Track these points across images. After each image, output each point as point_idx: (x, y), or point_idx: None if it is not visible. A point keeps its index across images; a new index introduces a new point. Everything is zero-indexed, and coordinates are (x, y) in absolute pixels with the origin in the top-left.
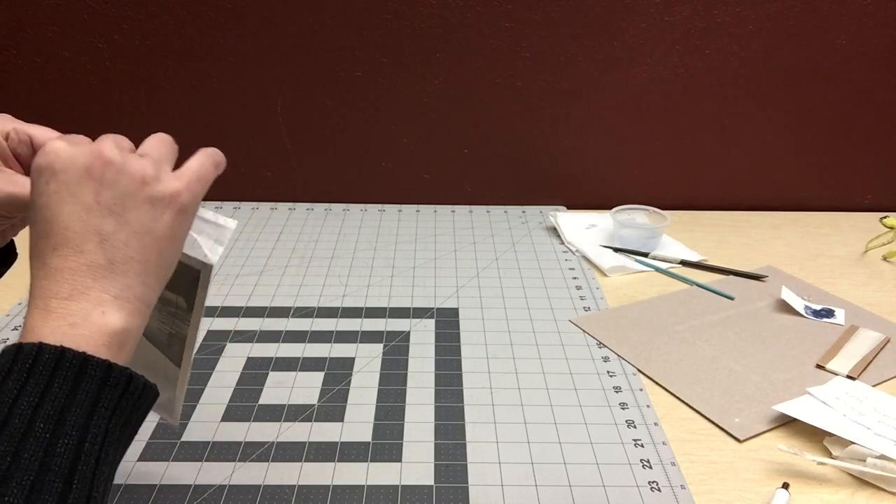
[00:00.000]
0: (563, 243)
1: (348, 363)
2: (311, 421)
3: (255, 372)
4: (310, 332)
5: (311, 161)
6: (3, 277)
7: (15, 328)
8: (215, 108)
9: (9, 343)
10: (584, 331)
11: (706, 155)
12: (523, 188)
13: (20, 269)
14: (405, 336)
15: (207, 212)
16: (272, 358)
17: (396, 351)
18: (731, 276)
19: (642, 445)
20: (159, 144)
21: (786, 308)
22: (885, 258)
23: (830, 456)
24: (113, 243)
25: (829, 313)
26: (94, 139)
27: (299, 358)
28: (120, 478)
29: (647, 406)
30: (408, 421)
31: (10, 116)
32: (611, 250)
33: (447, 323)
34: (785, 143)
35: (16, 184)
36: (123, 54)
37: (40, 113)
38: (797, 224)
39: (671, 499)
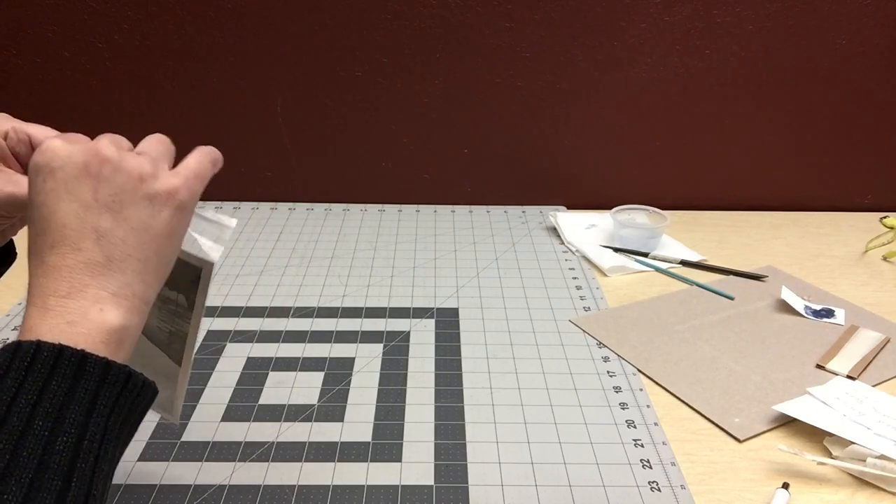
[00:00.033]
0: (563, 243)
1: (348, 363)
2: (311, 421)
3: (255, 372)
4: (310, 332)
5: (311, 161)
6: (3, 277)
7: (15, 328)
8: (215, 108)
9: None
10: (584, 331)
11: (706, 155)
12: (523, 188)
13: (20, 268)
14: (405, 336)
15: (207, 211)
16: (272, 358)
17: (396, 351)
18: (731, 276)
19: (642, 445)
20: (157, 144)
21: (786, 308)
22: (885, 258)
23: (830, 456)
24: (111, 240)
25: (829, 313)
26: (92, 139)
27: (299, 358)
28: (120, 478)
29: (647, 406)
30: (408, 421)
31: (8, 116)
32: (611, 250)
33: (447, 323)
34: (785, 143)
35: (15, 183)
36: (123, 54)
37: (40, 113)
38: (797, 224)
39: (671, 499)
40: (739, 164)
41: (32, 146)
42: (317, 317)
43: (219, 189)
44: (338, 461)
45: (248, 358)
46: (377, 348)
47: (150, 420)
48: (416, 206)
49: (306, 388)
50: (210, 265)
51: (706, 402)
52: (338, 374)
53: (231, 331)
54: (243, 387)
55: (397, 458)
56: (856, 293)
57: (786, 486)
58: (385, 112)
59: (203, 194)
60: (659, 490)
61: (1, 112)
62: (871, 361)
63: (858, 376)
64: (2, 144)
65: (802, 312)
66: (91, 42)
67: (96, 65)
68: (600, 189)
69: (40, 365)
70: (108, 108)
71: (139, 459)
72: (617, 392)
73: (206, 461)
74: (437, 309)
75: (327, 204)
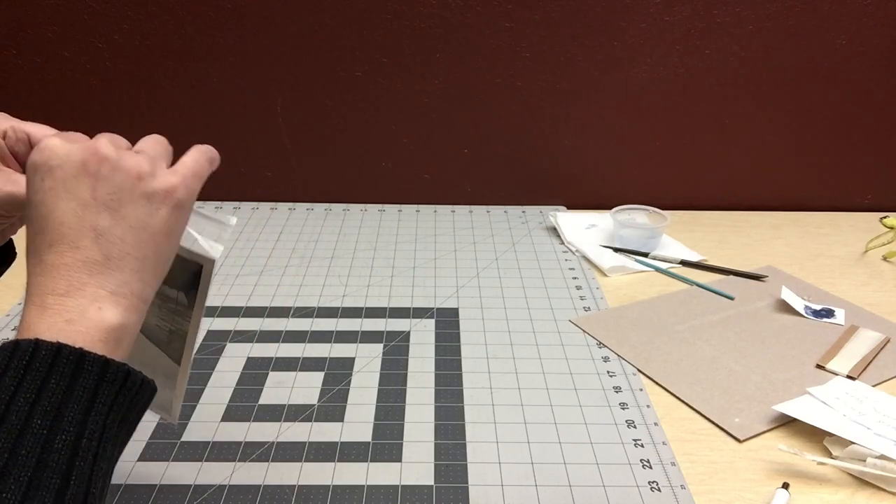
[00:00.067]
0: (563, 243)
1: (348, 363)
2: (311, 421)
3: (255, 372)
4: (310, 332)
5: (311, 161)
6: (3, 277)
7: (14, 328)
8: (215, 108)
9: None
10: (584, 331)
11: (706, 155)
12: (523, 188)
13: (20, 268)
14: (405, 336)
15: (207, 210)
16: (272, 358)
17: (396, 351)
18: (731, 276)
19: (642, 445)
20: (154, 143)
21: (786, 308)
22: (885, 258)
23: (830, 456)
24: (109, 239)
25: (829, 313)
26: (91, 138)
27: (299, 358)
28: (120, 478)
29: (647, 406)
30: (408, 421)
31: (6, 115)
32: (611, 250)
33: (447, 323)
34: (785, 143)
35: (14, 182)
36: (123, 54)
37: (40, 113)
38: (797, 224)
39: (671, 499)
40: (739, 164)
41: (31, 145)
42: (317, 317)
43: (219, 189)
44: (338, 461)
45: (248, 358)
46: (377, 348)
47: (150, 420)
48: (416, 206)
49: (306, 388)
50: (211, 262)
51: (706, 402)
52: (338, 374)
53: (231, 331)
54: (243, 387)
55: (397, 458)
56: (856, 293)
57: (786, 486)
58: (385, 112)
59: (203, 195)
60: (659, 490)
61: (0, 111)
62: (871, 361)
63: (858, 376)
64: (0, 143)
65: (802, 312)
66: (91, 42)
67: (96, 65)
68: (600, 189)
69: (39, 363)
70: (108, 108)
71: (139, 459)
72: (617, 392)
73: (206, 461)
74: (437, 309)
75: (327, 204)
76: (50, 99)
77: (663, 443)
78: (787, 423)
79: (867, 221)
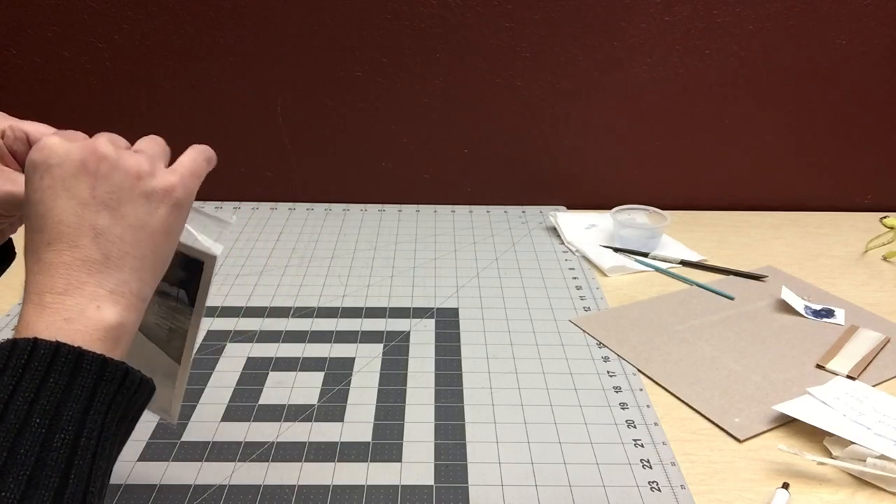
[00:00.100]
0: (563, 243)
1: (348, 363)
2: (311, 421)
3: (255, 372)
4: (310, 332)
5: (311, 161)
6: (2, 276)
7: (14, 328)
8: (215, 108)
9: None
10: (584, 331)
11: (706, 155)
12: (523, 188)
13: (19, 268)
14: (405, 336)
15: (206, 209)
16: (272, 358)
17: (396, 351)
18: (731, 276)
19: (642, 445)
20: (153, 143)
21: (786, 308)
22: (885, 258)
23: (830, 456)
24: (108, 238)
25: (829, 313)
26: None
27: (299, 358)
28: (120, 478)
29: (647, 406)
30: (408, 421)
31: (4, 114)
32: (611, 250)
33: (447, 323)
34: (785, 143)
35: (13, 181)
36: (123, 54)
37: (40, 113)
38: (797, 224)
39: (671, 499)
40: (739, 164)
41: (30, 144)
42: (317, 317)
43: (219, 189)
44: (338, 461)
45: (248, 358)
46: (377, 348)
47: (150, 420)
48: (416, 206)
49: (306, 388)
50: (213, 259)
51: (706, 402)
52: (338, 374)
53: (231, 331)
54: (243, 387)
55: (397, 458)
56: (856, 293)
57: (786, 486)
58: (385, 112)
59: (203, 194)
60: (659, 490)
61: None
62: (871, 361)
63: (858, 376)
64: None
65: (802, 312)
66: (91, 42)
67: (96, 65)
68: (600, 189)
69: (37, 362)
70: (108, 108)
71: (139, 459)
72: (617, 392)
73: (206, 461)
74: (437, 309)
75: (327, 204)
76: (50, 99)
77: (663, 443)
78: (787, 423)
79: (867, 221)
